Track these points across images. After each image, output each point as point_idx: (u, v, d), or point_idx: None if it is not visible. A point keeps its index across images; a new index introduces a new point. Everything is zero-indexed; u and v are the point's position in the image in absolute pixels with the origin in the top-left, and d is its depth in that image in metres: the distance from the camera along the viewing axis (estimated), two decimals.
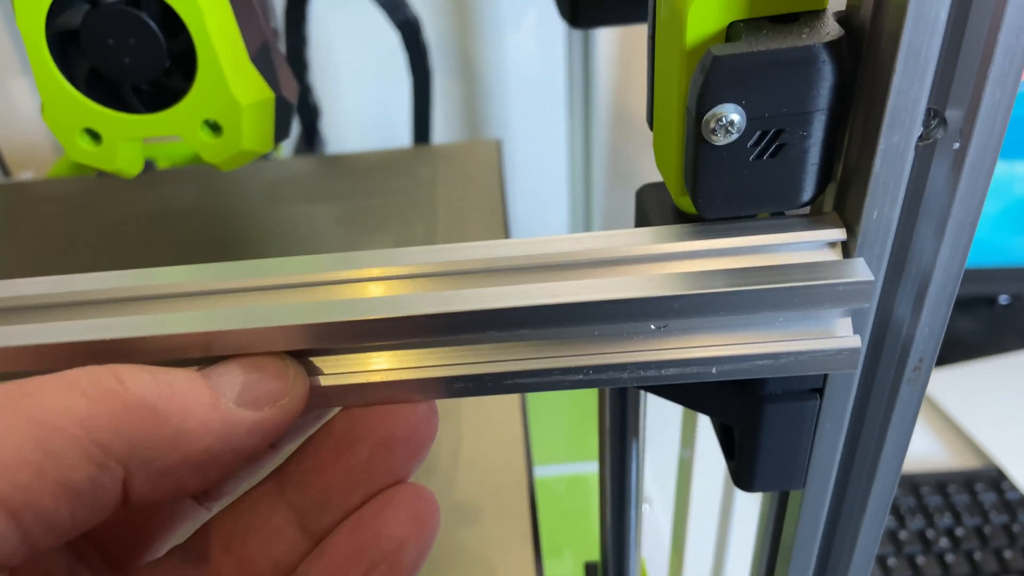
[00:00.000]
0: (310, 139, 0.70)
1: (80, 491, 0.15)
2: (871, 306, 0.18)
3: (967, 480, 0.69)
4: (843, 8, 0.17)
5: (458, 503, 0.38)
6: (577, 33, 0.68)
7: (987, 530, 0.66)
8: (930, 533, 0.66)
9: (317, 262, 0.19)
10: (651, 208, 0.23)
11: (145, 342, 0.18)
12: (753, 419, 0.20)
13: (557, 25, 0.78)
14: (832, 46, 0.16)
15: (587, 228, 0.84)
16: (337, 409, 0.19)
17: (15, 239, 0.54)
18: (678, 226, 0.19)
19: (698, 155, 0.17)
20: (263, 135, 0.29)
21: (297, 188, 0.58)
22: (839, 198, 0.18)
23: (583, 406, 0.73)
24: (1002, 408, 0.74)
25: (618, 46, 0.79)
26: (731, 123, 0.16)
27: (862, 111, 0.17)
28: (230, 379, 0.17)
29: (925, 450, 0.73)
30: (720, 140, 0.17)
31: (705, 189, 0.18)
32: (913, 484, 0.69)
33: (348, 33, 0.76)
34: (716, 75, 0.16)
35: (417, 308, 0.18)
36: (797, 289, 0.17)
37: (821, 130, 0.17)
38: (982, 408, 0.74)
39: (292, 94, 0.31)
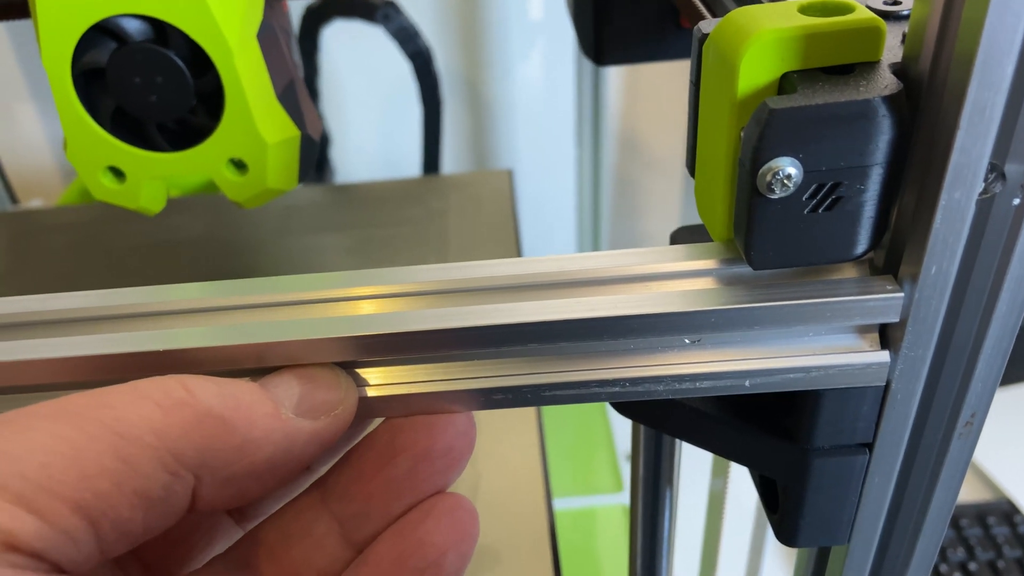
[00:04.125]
0: (320, 167, 0.70)
1: (154, 499, 0.15)
2: (925, 359, 0.18)
3: (979, 513, 0.69)
4: (897, 59, 0.17)
5: (479, 541, 0.38)
6: (587, 63, 0.68)
7: (1000, 564, 0.65)
8: (944, 568, 0.65)
9: (364, 276, 0.20)
10: None
11: (201, 353, 0.18)
12: (800, 474, 0.20)
13: (566, 55, 0.78)
14: (891, 100, 0.16)
15: None
16: (377, 422, 0.20)
17: (24, 268, 0.54)
18: (712, 244, 0.19)
19: (752, 208, 0.17)
20: (288, 173, 0.29)
21: (308, 218, 0.57)
22: (892, 252, 0.17)
23: (590, 440, 0.72)
24: (1013, 439, 0.74)
25: (628, 75, 0.80)
26: (788, 177, 0.16)
27: (919, 166, 0.16)
28: (287, 390, 0.18)
29: None
30: (776, 194, 0.16)
31: (758, 242, 0.17)
32: None
33: (359, 63, 0.76)
34: (773, 128, 0.16)
35: (460, 321, 0.18)
36: (828, 304, 0.18)
37: (878, 184, 0.17)
38: (993, 439, 0.74)
39: (316, 131, 0.31)
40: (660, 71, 0.77)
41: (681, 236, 0.23)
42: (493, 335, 0.18)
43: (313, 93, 0.66)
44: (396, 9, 0.61)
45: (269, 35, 0.28)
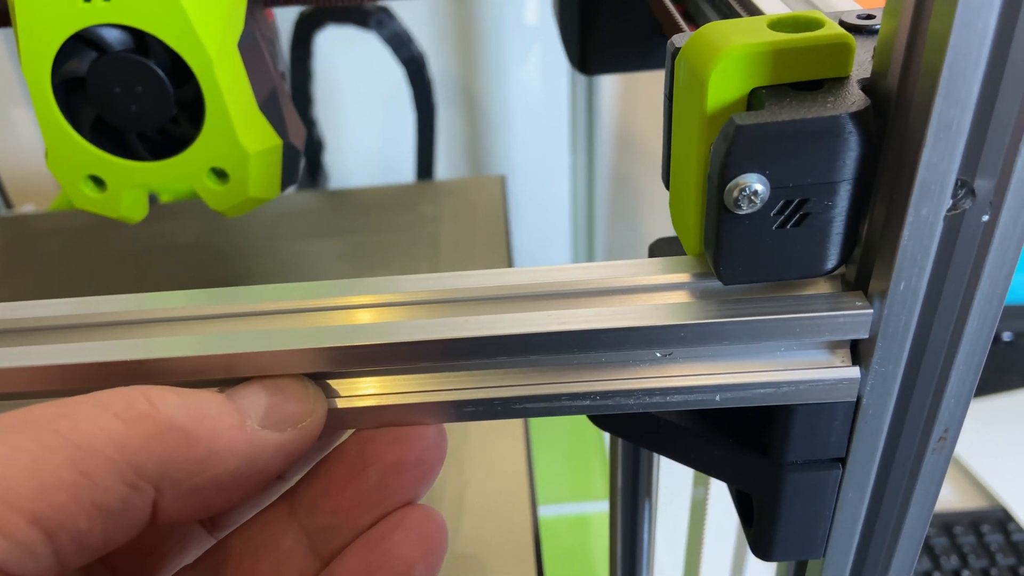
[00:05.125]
0: (313, 173, 0.70)
1: (113, 511, 0.15)
2: (896, 375, 0.18)
3: (973, 521, 0.68)
4: (867, 75, 0.17)
5: (463, 548, 0.38)
6: None
7: (994, 572, 0.65)
8: None
9: (335, 287, 0.20)
10: None
11: (170, 363, 0.18)
12: (774, 488, 0.20)
13: (561, 58, 0.78)
14: (858, 116, 0.16)
15: (590, 260, 0.83)
16: (348, 434, 0.20)
17: (16, 273, 0.54)
18: (685, 257, 0.19)
19: (720, 224, 0.17)
20: (270, 182, 0.29)
21: (300, 223, 0.57)
22: (863, 268, 0.17)
23: (583, 446, 0.72)
24: (1007, 447, 0.74)
25: (623, 77, 0.80)
26: (754, 193, 0.16)
27: (888, 182, 0.16)
28: (254, 401, 0.18)
29: None
30: (743, 210, 0.16)
31: (727, 257, 0.17)
32: None
33: (353, 68, 0.76)
34: (739, 145, 0.16)
35: (432, 334, 0.18)
36: (798, 320, 0.18)
37: (846, 199, 0.17)
38: (987, 447, 0.74)
39: (300, 140, 0.31)
40: (654, 72, 0.77)
41: (659, 248, 0.23)
42: (464, 348, 0.18)
43: (307, 98, 0.66)
44: (389, 15, 0.61)
45: (251, 44, 0.28)
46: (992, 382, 0.80)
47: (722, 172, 0.16)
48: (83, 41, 0.26)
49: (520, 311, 0.19)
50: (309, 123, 0.68)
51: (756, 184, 0.16)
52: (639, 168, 0.85)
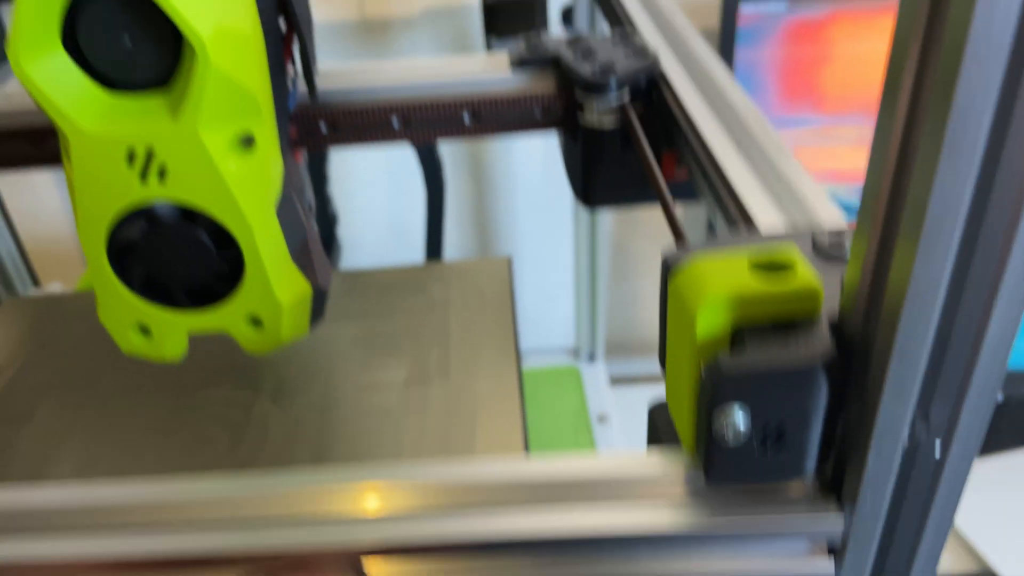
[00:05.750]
0: (328, 246, 0.72)
1: None
2: (866, 567, 0.20)
3: None
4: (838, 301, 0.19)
5: None
6: None
7: None
8: None
9: (348, 473, 0.22)
10: (663, 431, 0.25)
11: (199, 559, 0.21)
12: None
13: None
14: (826, 363, 0.18)
15: (592, 322, 0.86)
16: None
17: (45, 358, 0.56)
18: (679, 455, 0.22)
19: (708, 445, 0.19)
20: (300, 325, 0.32)
21: None
22: (835, 478, 0.20)
23: None
24: (997, 509, 0.76)
25: None
26: (738, 430, 0.18)
27: (855, 411, 0.19)
28: None
29: None
30: (728, 441, 0.19)
31: (715, 471, 0.20)
32: None
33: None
34: (724, 386, 0.18)
35: (445, 535, 0.21)
36: (779, 527, 0.20)
37: (820, 421, 0.19)
38: (977, 509, 0.76)
39: (326, 279, 0.33)
40: None
41: (658, 415, 0.26)
42: (473, 548, 0.21)
43: (323, 177, 0.69)
44: None
45: (286, 204, 0.30)
46: (984, 443, 0.82)
47: (709, 406, 0.19)
48: (137, 212, 0.28)
49: (528, 507, 0.21)
50: (324, 199, 0.71)
51: (739, 421, 0.18)
52: (640, 229, 0.88)
